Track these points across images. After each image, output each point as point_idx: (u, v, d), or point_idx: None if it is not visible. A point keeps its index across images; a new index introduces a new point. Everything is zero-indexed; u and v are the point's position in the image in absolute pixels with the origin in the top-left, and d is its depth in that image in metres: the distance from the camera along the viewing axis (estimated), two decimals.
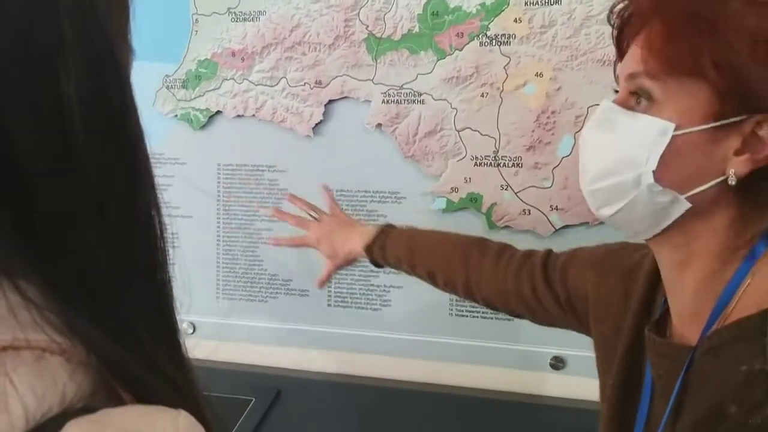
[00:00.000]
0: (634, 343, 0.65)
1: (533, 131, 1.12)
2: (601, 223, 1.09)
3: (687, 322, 0.58)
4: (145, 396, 0.32)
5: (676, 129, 0.53)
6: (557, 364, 1.15)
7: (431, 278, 0.93)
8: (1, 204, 0.30)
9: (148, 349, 0.34)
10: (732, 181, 0.52)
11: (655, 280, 0.64)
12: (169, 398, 0.33)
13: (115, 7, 0.36)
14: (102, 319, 0.32)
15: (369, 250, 0.97)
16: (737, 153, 0.52)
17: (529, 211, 1.13)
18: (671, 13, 0.54)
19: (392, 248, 0.96)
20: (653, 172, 0.54)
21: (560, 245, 1.11)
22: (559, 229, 1.13)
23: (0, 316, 0.30)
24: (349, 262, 1.04)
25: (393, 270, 1.00)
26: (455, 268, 0.90)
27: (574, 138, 1.10)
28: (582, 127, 1.09)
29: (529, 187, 1.13)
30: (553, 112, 1.11)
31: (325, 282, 1.10)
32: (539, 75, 1.11)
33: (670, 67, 0.54)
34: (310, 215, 1.10)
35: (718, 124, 0.52)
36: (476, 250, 0.90)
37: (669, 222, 0.56)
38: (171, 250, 0.38)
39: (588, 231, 1.11)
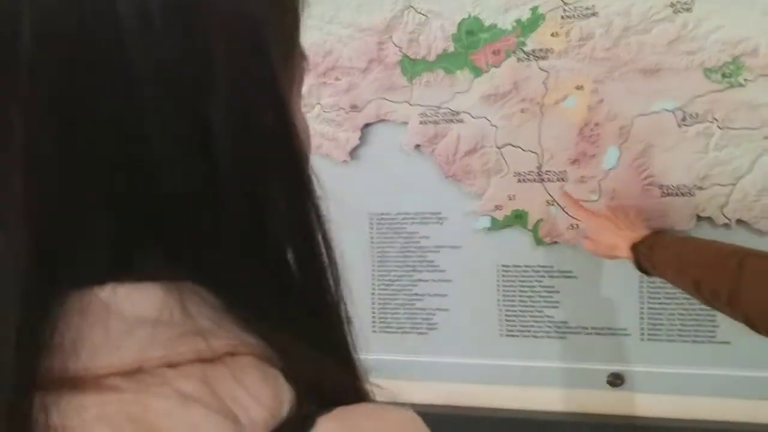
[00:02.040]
0: None
1: (577, 144, 1.12)
2: None
3: None
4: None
5: None
6: (615, 381, 1.14)
7: (696, 287, 0.86)
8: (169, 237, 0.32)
9: (339, 364, 0.36)
10: None
11: None
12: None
13: (284, 25, 0.37)
14: (293, 335, 0.34)
15: (635, 249, 0.95)
16: None
17: (577, 225, 1.13)
18: None
19: (661, 250, 0.92)
20: None
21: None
22: None
23: (210, 323, 0.31)
24: (610, 256, 1.03)
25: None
26: (723, 277, 0.82)
27: (619, 150, 1.10)
28: (627, 138, 1.10)
29: (579, 200, 1.13)
30: (596, 125, 1.11)
31: (587, 246, 1.07)
32: (579, 88, 1.12)
33: None
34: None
35: None
36: (753, 261, 0.80)
37: None
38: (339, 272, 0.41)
39: None
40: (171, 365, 0.30)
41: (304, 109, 1.42)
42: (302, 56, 0.41)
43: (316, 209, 0.40)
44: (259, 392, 0.30)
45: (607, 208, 1.07)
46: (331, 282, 0.39)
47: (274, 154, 0.36)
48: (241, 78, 0.34)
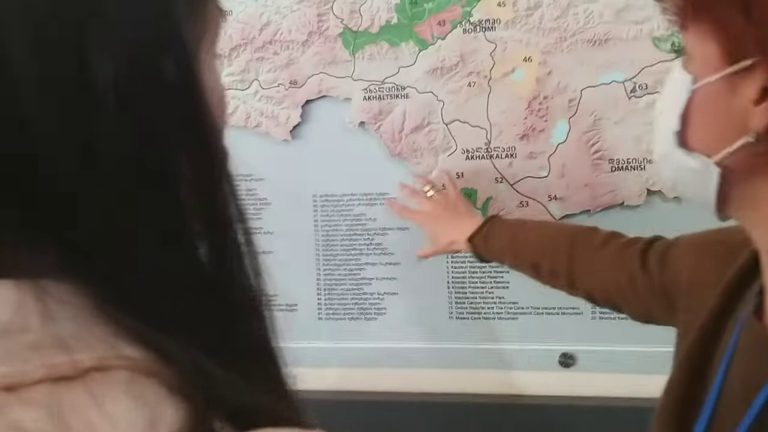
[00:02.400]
0: (710, 325, 0.59)
1: (525, 119, 1.09)
2: (604, 209, 1.07)
3: None
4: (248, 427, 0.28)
5: (694, 81, 0.49)
6: (567, 361, 1.12)
7: (535, 270, 0.88)
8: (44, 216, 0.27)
9: (248, 375, 0.30)
10: (750, 138, 0.46)
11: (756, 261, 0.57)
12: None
13: None
14: (190, 338, 0.28)
15: (472, 241, 0.95)
16: (756, 103, 0.46)
17: (527, 203, 1.10)
18: None
19: (496, 239, 0.92)
20: (676, 132, 0.51)
21: None
22: (560, 219, 1.09)
23: (78, 330, 0.25)
24: (450, 251, 1.02)
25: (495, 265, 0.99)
26: (560, 257, 0.85)
27: (569, 123, 1.07)
28: (576, 111, 1.07)
29: (525, 177, 1.10)
30: (545, 98, 1.08)
31: (425, 255, 1.07)
32: (528, 60, 1.08)
33: (682, 6, 0.50)
34: (425, 191, 1.07)
35: (731, 69, 0.47)
36: (583, 237, 0.85)
37: (713, 192, 0.50)
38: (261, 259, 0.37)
39: (590, 219, 1.08)
40: (10, 388, 0.23)
41: (239, 86, 1.35)
42: (217, 7, 0.36)
43: (231, 188, 0.34)
44: (123, 418, 0.24)
45: (427, 202, 1.06)
46: (249, 276, 0.35)
47: (172, 115, 0.30)
48: (130, 15, 0.29)
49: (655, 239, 0.77)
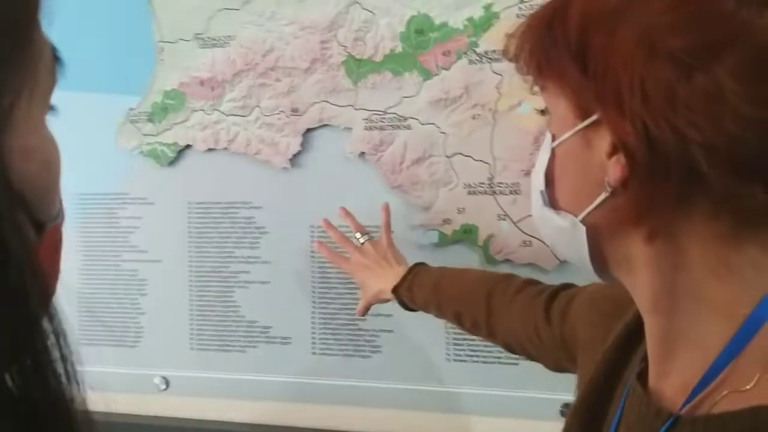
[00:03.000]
0: (599, 384, 0.57)
1: (531, 154, 1.05)
2: None
3: (665, 381, 0.49)
4: None
5: (553, 139, 0.49)
6: (567, 411, 1.06)
7: (458, 320, 0.88)
8: None
9: None
10: (606, 191, 0.45)
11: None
12: None
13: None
14: None
15: (396, 291, 0.94)
16: (609, 156, 0.44)
17: (531, 242, 1.06)
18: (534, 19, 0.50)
19: (419, 289, 0.91)
20: (542, 192, 0.50)
21: (566, 278, 1.04)
22: (564, 261, 1.05)
23: None
24: (380, 301, 1.00)
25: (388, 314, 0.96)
26: (478, 307, 0.85)
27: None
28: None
29: (529, 216, 1.06)
30: None
31: (362, 313, 1.03)
32: (535, 93, 1.04)
33: (533, 68, 0.49)
34: (356, 238, 1.05)
35: (581, 126, 0.45)
36: (500, 287, 0.85)
37: (585, 253, 0.48)
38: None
39: None
40: None
41: (240, 112, 1.32)
42: (47, 50, 0.31)
43: (34, 287, 0.28)
44: None
45: (359, 251, 1.03)
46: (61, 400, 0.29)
47: None
48: None
49: (564, 287, 0.78)
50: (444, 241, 1.10)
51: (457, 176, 1.08)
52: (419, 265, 0.96)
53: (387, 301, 0.99)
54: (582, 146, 0.46)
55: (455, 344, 1.11)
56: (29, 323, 0.27)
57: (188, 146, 1.22)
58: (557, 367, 0.78)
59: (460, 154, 1.08)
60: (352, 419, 1.16)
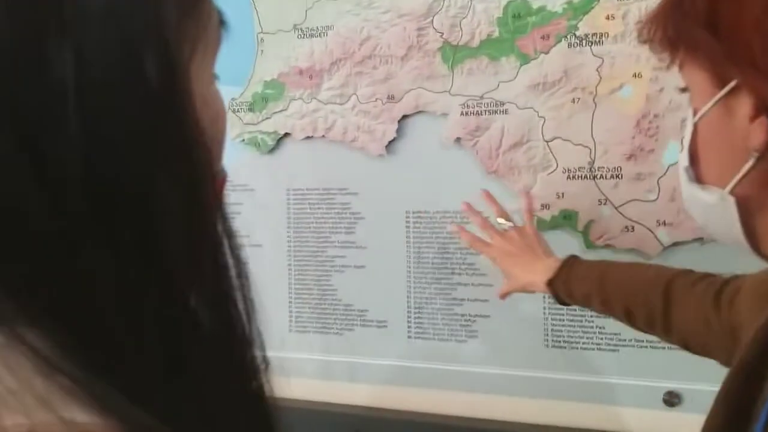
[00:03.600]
0: (750, 365, 0.55)
1: (633, 138, 1.03)
2: None
3: None
4: None
5: (694, 114, 0.49)
6: (672, 399, 1.05)
7: (627, 316, 0.83)
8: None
9: None
10: (752, 158, 0.45)
11: None
12: None
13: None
14: (156, 396, 0.24)
15: (552, 285, 0.90)
16: (752, 120, 0.44)
17: (633, 227, 1.04)
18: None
19: (580, 282, 0.87)
20: (686, 168, 0.51)
21: (670, 264, 1.02)
22: (668, 246, 1.03)
23: (8, 389, 0.22)
24: (528, 291, 0.97)
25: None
26: (655, 302, 0.79)
27: (681, 144, 1.01)
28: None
29: (632, 200, 1.04)
30: (655, 116, 1.02)
31: (504, 296, 1.02)
32: (637, 76, 1.03)
33: (667, 45, 0.51)
34: (499, 223, 1.03)
35: (720, 94, 0.46)
36: (680, 280, 0.80)
37: (738, 227, 0.47)
38: (251, 297, 0.32)
39: (702, 248, 1.01)
40: None
41: (338, 100, 1.36)
42: (213, 13, 0.34)
43: (224, 223, 0.30)
44: None
45: (503, 237, 0.99)
46: (243, 330, 0.30)
47: (150, 127, 0.26)
48: (101, 6, 0.25)
49: (734, 278, 0.75)
50: (542, 227, 1.10)
51: (556, 161, 1.08)
52: (574, 258, 0.91)
53: (534, 292, 0.96)
54: (723, 115, 0.46)
55: (554, 330, 1.11)
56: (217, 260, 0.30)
57: (287, 134, 1.26)
58: (729, 360, 0.76)
59: (559, 138, 1.08)
60: (448, 403, 1.18)
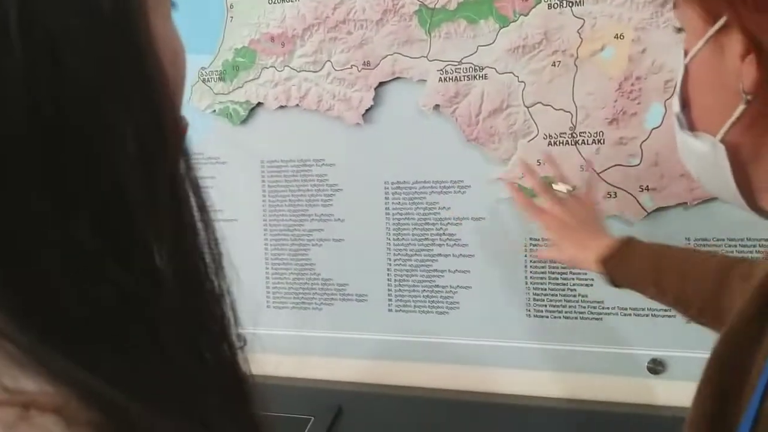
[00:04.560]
0: (742, 329, 0.52)
1: (615, 101, 1.02)
2: (703, 203, 0.99)
3: None
4: None
5: (685, 55, 0.48)
6: (656, 367, 1.05)
7: (680, 302, 0.80)
8: None
9: (192, 410, 0.25)
10: (743, 102, 0.43)
11: None
12: None
13: None
14: (110, 360, 0.23)
15: (606, 263, 0.85)
16: (742, 57, 0.43)
17: (615, 193, 1.04)
18: None
19: (636, 263, 0.83)
20: (678, 114, 0.49)
21: (654, 230, 1.02)
22: (652, 212, 1.02)
23: None
24: (574, 266, 0.93)
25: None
26: (711, 291, 0.75)
27: (664, 106, 0.99)
28: (673, 93, 0.99)
29: (614, 165, 1.03)
30: (637, 78, 1.00)
31: (544, 257, 1.00)
32: (619, 37, 1.01)
33: None
34: (557, 190, 0.96)
35: (711, 31, 0.45)
36: (739, 268, 0.74)
37: (729, 177, 0.46)
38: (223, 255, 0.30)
39: (686, 213, 1.01)
40: None
41: (311, 67, 1.33)
42: None
43: (188, 171, 0.28)
44: None
45: (559, 206, 0.93)
46: (212, 287, 0.29)
47: (107, 64, 0.24)
48: None
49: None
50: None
51: (537, 127, 1.07)
52: (632, 239, 0.86)
53: (582, 268, 0.92)
54: (715, 54, 0.45)
55: (536, 299, 1.10)
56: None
57: (260, 104, 1.23)
58: None
59: (540, 103, 1.06)
60: (431, 376, 1.17)
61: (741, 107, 0.44)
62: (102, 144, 0.24)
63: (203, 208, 0.29)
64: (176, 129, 0.28)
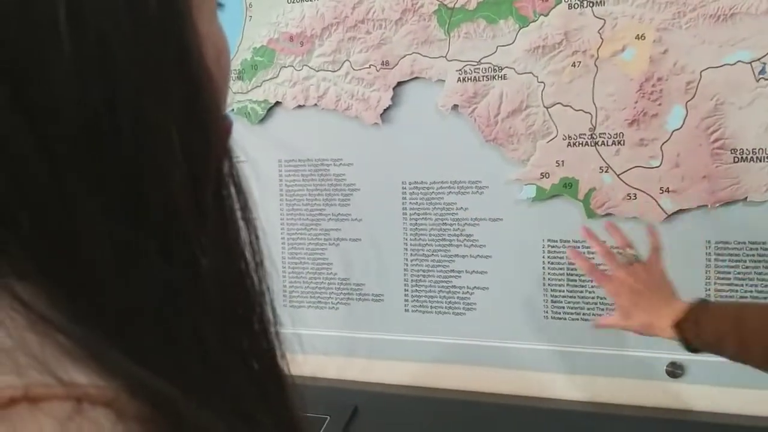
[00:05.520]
0: None
1: (636, 103, 1.02)
2: (724, 205, 0.99)
3: None
4: None
5: None
6: (675, 371, 1.05)
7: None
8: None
9: (234, 405, 0.25)
10: None
11: None
12: None
13: None
14: (157, 353, 0.23)
15: (680, 326, 0.83)
16: None
17: (635, 195, 1.04)
18: None
19: (711, 322, 0.81)
20: None
21: (673, 232, 1.02)
22: (672, 214, 1.02)
23: (12, 344, 0.21)
24: (647, 335, 0.90)
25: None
26: None
27: (686, 108, 1.00)
28: (694, 94, 0.99)
29: (634, 167, 1.03)
30: (659, 79, 1.01)
31: (602, 327, 0.95)
32: (640, 37, 1.01)
33: None
34: (622, 254, 0.93)
35: None
36: None
37: None
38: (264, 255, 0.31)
39: (707, 215, 1.01)
40: None
41: (330, 67, 1.34)
42: None
43: (233, 173, 0.29)
44: None
45: (622, 268, 0.90)
46: (253, 283, 0.29)
47: (150, 62, 0.25)
48: None
49: None
50: (542, 196, 1.09)
51: (556, 127, 1.07)
52: (704, 300, 0.86)
53: (656, 336, 0.88)
54: None
55: (553, 301, 1.11)
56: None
57: (278, 103, 1.25)
58: None
59: (560, 104, 1.07)
60: (446, 377, 1.18)
61: None
62: (148, 143, 0.25)
63: (245, 206, 0.30)
64: (220, 128, 0.28)
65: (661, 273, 0.91)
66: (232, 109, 1.27)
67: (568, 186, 1.07)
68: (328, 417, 1.15)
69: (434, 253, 1.18)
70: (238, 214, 0.29)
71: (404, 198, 1.19)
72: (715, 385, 1.03)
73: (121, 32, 0.24)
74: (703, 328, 0.81)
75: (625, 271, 0.90)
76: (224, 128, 0.28)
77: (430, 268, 1.19)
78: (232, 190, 0.29)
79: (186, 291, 0.26)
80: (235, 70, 1.27)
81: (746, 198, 0.98)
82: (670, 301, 0.86)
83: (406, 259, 1.20)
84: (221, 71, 0.30)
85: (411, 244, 1.20)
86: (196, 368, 0.25)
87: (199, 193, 0.26)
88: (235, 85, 1.27)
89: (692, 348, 0.84)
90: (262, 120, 1.26)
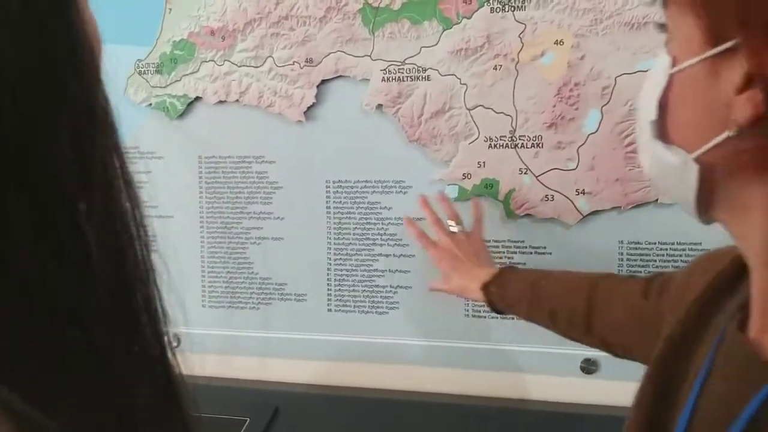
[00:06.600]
0: (683, 334, 0.55)
1: (554, 106, 1.05)
2: (636, 206, 1.04)
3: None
4: None
5: (673, 64, 0.44)
6: (589, 367, 1.09)
7: (551, 318, 0.86)
8: None
9: (121, 411, 0.25)
10: (731, 133, 0.41)
11: (740, 270, 0.52)
12: None
13: None
14: (46, 390, 0.22)
15: (486, 289, 0.92)
16: (739, 91, 0.40)
17: (553, 196, 1.07)
18: None
19: (513, 287, 0.90)
20: (653, 122, 0.46)
21: (588, 233, 1.06)
22: (588, 215, 1.06)
23: None
24: (462, 296, 1.00)
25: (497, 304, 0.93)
26: (578, 302, 0.82)
27: (601, 112, 1.04)
28: (610, 99, 1.04)
29: (552, 169, 1.07)
30: (576, 84, 1.04)
31: (434, 290, 1.04)
32: (559, 43, 1.04)
33: None
34: (450, 225, 1.05)
35: (712, 52, 0.41)
36: (606, 280, 0.83)
37: (692, 192, 0.46)
38: (154, 261, 0.30)
39: (620, 216, 1.05)
40: None
41: (252, 63, 1.32)
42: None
43: (119, 157, 0.28)
44: None
45: (447, 237, 1.02)
46: (136, 265, 0.29)
47: (47, 46, 0.25)
48: None
49: (663, 273, 0.75)
50: (463, 196, 1.11)
51: (478, 129, 1.09)
52: (511, 267, 0.96)
53: (468, 298, 1.00)
54: (707, 76, 0.42)
55: (474, 301, 1.13)
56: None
57: (198, 98, 1.22)
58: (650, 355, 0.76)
59: (481, 106, 1.09)
60: (369, 376, 1.19)
61: (725, 135, 0.42)
62: (37, 129, 0.24)
63: (133, 197, 0.29)
64: (108, 108, 0.28)
65: (480, 242, 1.03)
66: (150, 104, 1.24)
67: (489, 187, 1.10)
68: (248, 419, 1.13)
69: (358, 253, 1.19)
70: (126, 205, 0.27)
71: (328, 197, 1.19)
72: (626, 381, 1.07)
73: (10, 18, 0.23)
74: (507, 291, 0.91)
75: (449, 239, 1.02)
76: (110, 107, 0.28)
77: (354, 268, 1.19)
78: (120, 179, 0.28)
79: (73, 290, 0.25)
80: (153, 63, 1.23)
81: (657, 200, 1.03)
82: (484, 268, 0.97)
83: (330, 259, 1.20)
84: (98, 53, 0.29)
85: (334, 244, 1.20)
86: (79, 380, 0.24)
87: (87, 178, 0.26)
88: (153, 79, 1.24)
89: (497, 309, 0.94)
90: (182, 115, 1.23)
